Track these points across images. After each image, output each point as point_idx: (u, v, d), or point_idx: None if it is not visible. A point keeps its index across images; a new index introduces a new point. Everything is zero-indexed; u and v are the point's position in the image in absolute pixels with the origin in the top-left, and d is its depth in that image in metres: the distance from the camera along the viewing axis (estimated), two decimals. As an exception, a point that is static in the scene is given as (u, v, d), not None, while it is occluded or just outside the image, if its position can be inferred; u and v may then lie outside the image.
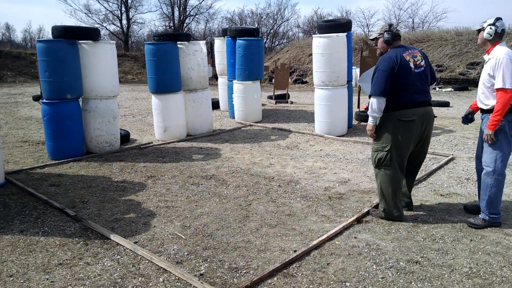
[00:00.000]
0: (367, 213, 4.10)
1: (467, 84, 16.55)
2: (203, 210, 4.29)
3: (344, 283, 2.91)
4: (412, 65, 3.76)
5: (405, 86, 3.74)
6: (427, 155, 6.12)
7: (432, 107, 3.93)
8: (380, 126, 3.88)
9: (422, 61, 3.83)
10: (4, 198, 4.69)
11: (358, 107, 9.94)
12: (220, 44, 11.11)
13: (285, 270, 3.09)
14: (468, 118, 4.06)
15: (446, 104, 11.60)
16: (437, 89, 16.74)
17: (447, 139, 7.28)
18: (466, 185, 4.90)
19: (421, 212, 4.13)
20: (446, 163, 5.78)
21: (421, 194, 4.65)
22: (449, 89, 16.38)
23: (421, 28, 32.22)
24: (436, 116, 4.10)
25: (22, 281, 2.98)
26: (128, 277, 3.03)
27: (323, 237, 3.56)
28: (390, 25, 3.99)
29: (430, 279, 2.95)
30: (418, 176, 5.10)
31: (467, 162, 5.81)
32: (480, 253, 3.30)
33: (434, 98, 13.71)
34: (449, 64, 18.04)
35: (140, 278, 3.00)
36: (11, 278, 3.02)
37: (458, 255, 3.28)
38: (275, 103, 12.77)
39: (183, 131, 7.83)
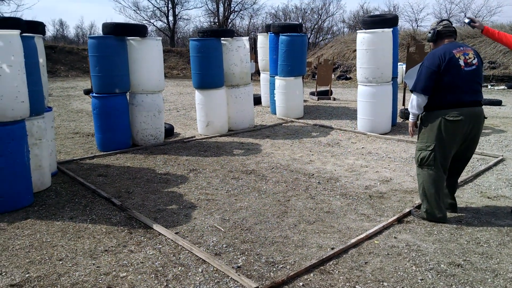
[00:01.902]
0: (409, 213, 4.02)
1: (522, 81, 15.70)
2: (242, 204, 4.35)
3: (381, 283, 2.88)
4: (462, 62, 3.62)
5: (452, 84, 3.61)
6: (475, 156, 5.92)
7: (483, 107, 3.78)
8: (425, 125, 3.78)
9: (474, 59, 3.67)
10: (56, 187, 4.97)
11: (404, 104, 9.68)
12: (263, 40, 11.14)
13: (322, 267, 3.09)
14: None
15: (498, 103, 11.06)
16: (489, 86, 16.00)
17: (498, 139, 6.96)
18: (516, 188, 4.68)
19: (466, 214, 4.00)
20: (495, 164, 5.54)
21: (466, 196, 4.49)
22: (502, 87, 15.60)
23: (473, 23, 30.79)
24: (486, 117, 3.94)
25: (70, 265, 3.16)
26: (169, 266, 3.14)
27: (361, 236, 3.53)
28: (440, 21, 3.87)
29: (472, 283, 2.86)
30: (464, 177, 4.95)
31: (518, 164, 5.54)
32: (528, 259, 3.17)
33: (485, 96, 13.10)
34: (502, 60, 17.17)
35: (180, 268, 3.11)
36: (60, 262, 3.21)
37: (503, 260, 3.16)
38: (317, 100, 12.67)
39: (225, 126, 7.94)
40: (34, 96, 4.50)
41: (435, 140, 3.68)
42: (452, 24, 3.86)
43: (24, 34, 4.40)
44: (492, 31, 3.98)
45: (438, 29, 3.81)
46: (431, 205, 3.79)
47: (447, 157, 3.74)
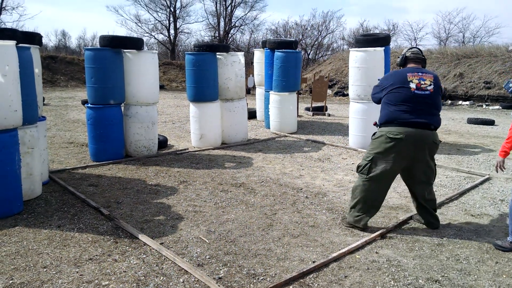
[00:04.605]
0: (392, 229, 4.09)
1: (517, 102, 15.85)
2: (229, 217, 4.41)
3: (359, 297, 2.93)
4: (413, 85, 3.85)
5: (398, 102, 3.86)
6: (462, 174, 5.99)
7: (434, 132, 3.89)
8: (373, 137, 4.03)
9: (430, 85, 3.88)
10: (46, 195, 5.02)
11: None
12: (259, 56, 11.31)
13: (301, 280, 3.14)
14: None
15: (491, 123, 11.19)
16: (484, 106, 16.15)
17: (486, 158, 7.05)
18: (499, 206, 4.74)
19: (448, 231, 4.06)
20: (481, 183, 5.61)
21: (450, 213, 4.55)
22: (497, 107, 15.77)
23: (472, 43, 31.19)
24: (441, 141, 4.07)
25: (54, 272, 3.21)
26: (151, 275, 3.18)
27: (343, 250, 3.58)
28: (410, 48, 4.29)
29: (448, 299, 2.91)
30: (450, 195, 5.03)
31: (504, 183, 5.61)
32: (504, 276, 3.22)
33: (480, 115, 13.25)
34: (498, 81, 17.35)
35: (162, 277, 3.15)
36: (45, 269, 3.25)
37: (481, 276, 3.21)
38: (312, 115, 12.79)
39: (218, 139, 8.02)
40: (27, 106, 4.59)
41: (374, 153, 3.90)
42: (422, 53, 4.15)
43: (20, 45, 4.50)
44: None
45: (406, 54, 4.16)
46: (356, 210, 4.03)
47: (384, 172, 3.88)
